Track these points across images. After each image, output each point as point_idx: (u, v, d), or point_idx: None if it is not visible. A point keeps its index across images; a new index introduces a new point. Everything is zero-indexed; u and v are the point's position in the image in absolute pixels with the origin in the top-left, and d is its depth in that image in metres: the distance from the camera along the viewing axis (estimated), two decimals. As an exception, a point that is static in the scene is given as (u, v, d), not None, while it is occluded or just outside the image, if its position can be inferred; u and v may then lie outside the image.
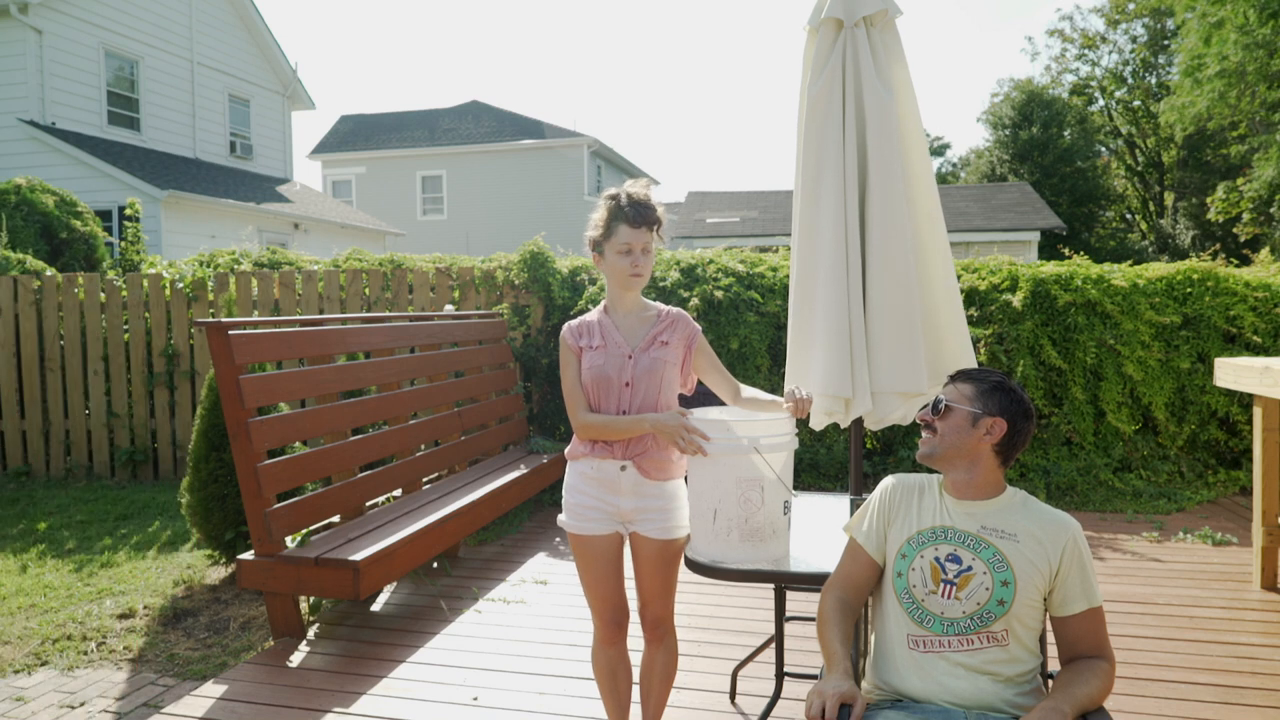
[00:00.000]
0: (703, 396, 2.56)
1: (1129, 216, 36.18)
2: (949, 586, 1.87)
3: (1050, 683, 1.96)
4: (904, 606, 1.90)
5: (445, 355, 5.24)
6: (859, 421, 3.10)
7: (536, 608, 4.06)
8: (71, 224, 9.06)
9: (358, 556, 3.50)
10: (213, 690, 3.23)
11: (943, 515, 1.95)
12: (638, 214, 2.33)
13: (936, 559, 1.90)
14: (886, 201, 2.88)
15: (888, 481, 2.06)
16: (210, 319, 4.47)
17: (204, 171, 16.47)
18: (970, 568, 1.87)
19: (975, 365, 3.07)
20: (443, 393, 5.07)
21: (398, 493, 4.64)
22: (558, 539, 5.18)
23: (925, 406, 2.01)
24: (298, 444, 4.59)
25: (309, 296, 6.72)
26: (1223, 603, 3.99)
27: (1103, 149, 35.59)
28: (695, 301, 6.12)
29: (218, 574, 4.53)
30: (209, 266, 7.40)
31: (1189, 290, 6.14)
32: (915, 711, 1.81)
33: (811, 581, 2.28)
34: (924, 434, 1.99)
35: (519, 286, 6.57)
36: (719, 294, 6.16)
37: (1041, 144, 31.55)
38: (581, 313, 5.66)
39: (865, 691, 1.94)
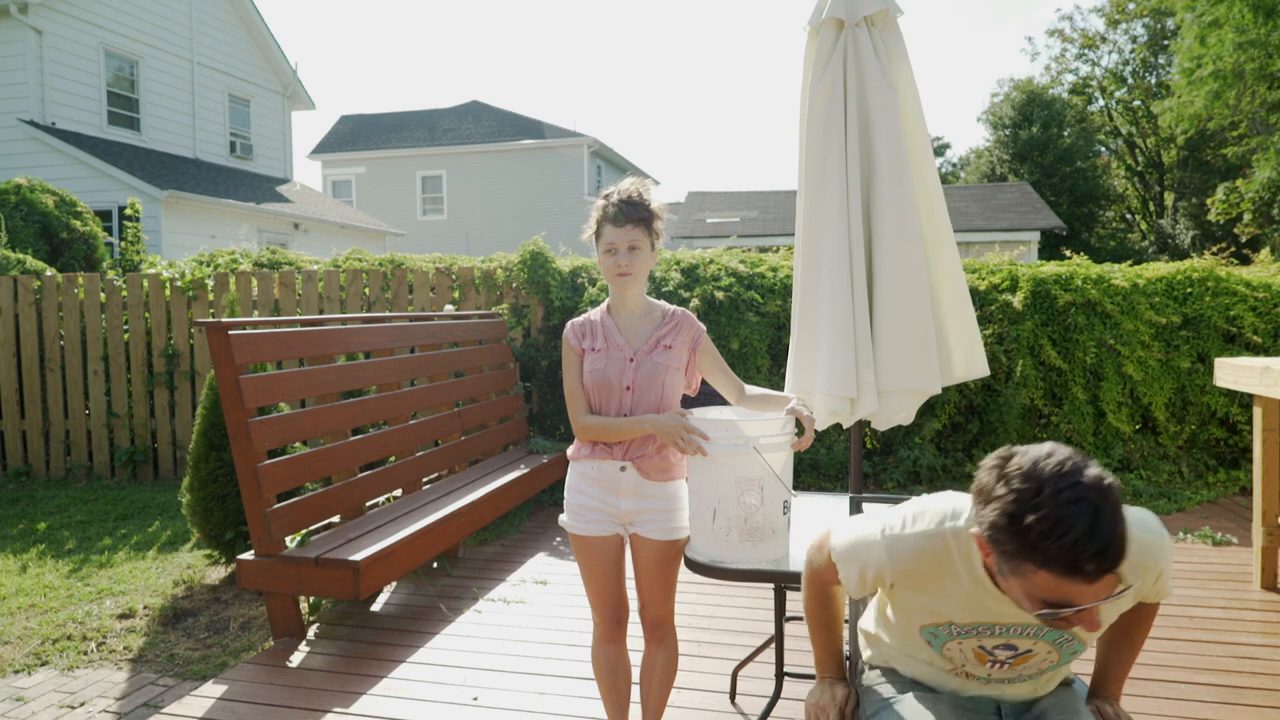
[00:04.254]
0: (705, 396, 2.55)
1: (1129, 216, 36.18)
2: (998, 665, 1.68)
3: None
4: (935, 648, 1.71)
5: (445, 355, 5.23)
6: (860, 421, 3.10)
7: (536, 608, 4.06)
8: (71, 224, 9.06)
9: (358, 556, 3.50)
10: (213, 690, 3.23)
11: (990, 611, 1.61)
12: (619, 211, 2.31)
13: (982, 647, 1.66)
14: (895, 199, 2.87)
15: (885, 567, 1.65)
16: (210, 319, 4.47)
17: (204, 171, 16.47)
18: (1030, 650, 1.65)
19: (984, 363, 3.02)
20: (443, 393, 5.06)
21: (398, 493, 4.64)
22: (558, 539, 5.18)
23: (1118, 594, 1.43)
24: (298, 444, 4.58)
25: (309, 296, 6.72)
26: (1223, 603, 3.99)
27: (1103, 149, 35.61)
28: (696, 302, 6.12)
29: (218, 574, 4.53)
30: (209, 266, 7.40)
31: (1189, 290, 6.14)
32: (940, 700, 1.74)
33: (811, 581, 2.27)
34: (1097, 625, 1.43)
35: (519, 287, 6.57)
36: (719, 294, 6.16)
37: (1041, 144, 31.57)
38: (582, 313, 5.65)
39: (875, 681, 1.89)
